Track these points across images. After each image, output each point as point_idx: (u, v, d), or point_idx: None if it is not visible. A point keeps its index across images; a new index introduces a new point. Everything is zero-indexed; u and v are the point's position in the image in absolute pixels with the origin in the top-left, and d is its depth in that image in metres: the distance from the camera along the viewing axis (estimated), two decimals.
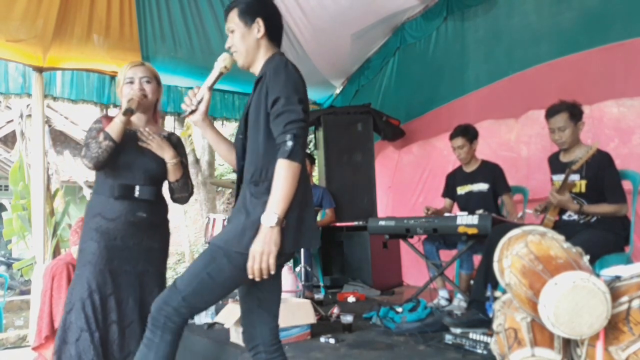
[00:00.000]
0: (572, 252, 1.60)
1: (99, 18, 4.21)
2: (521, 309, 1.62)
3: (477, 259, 3.42)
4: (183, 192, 2.31)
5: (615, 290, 1.48)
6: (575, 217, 2.85)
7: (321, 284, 4.36)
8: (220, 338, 2.77)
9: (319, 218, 4.73)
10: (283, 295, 1.81)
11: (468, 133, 3.58)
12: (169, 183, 2.29)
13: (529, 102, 4.06)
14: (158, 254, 2.29)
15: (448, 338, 2.46)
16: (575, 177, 2.81)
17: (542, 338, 1.56)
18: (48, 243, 4.66)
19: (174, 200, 2.34)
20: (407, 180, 5.26)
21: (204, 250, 1.62)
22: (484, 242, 2.88)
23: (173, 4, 4.51)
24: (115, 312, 2.11)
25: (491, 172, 3.58)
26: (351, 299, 4.00)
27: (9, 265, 8.28)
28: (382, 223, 3.64)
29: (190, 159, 10.64)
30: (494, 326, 1.78)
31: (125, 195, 2.17)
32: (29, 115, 6.11)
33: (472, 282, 3.09)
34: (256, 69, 1.69)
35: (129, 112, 2.11)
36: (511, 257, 1.66)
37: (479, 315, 2.53)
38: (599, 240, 2.66)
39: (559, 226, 2.82)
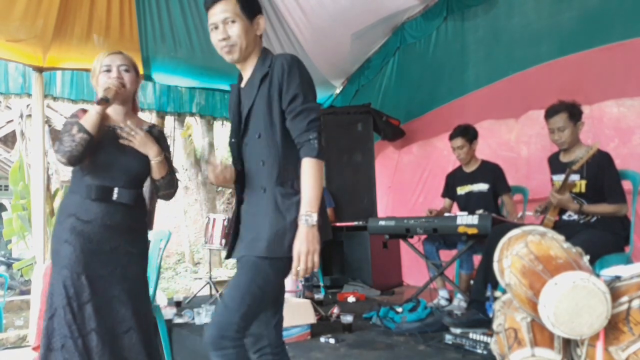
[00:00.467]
0: (572, 252, 1.60)
1: (99, 18, 4.21)
2: (521, 309, 1.62)
3: (477, 259, 3.42)
4: (169, 188, 2.18)
5: (615, 290, 1.48)
6: (575, 217, 2.85)
7: (321, 284, 4.36)
8: None
9: None
10: None
11: (468, 133, 3.58)
12: (155, 181, 2.15)
13: (528, 102, 4.06)
14: (137, 259, 2.15)
15: (448, 338, 2.46)
16: (575, 177, 2.80)
17: (542, 338, 1.56)
18: (48, 243, 4.65)
19: (159, 197, 2.20)
20: (407, 180, 5.26)
21: (240, 265, 1.58)
22: (484, 242, 2.88)
23: (173, 4, 4.51)
24: (94, 320, 1.98)
25: (491, 172, 3.58)
26: (351, 299, 4.00)
27: (9, 265, 8.25)
28: (382, 223, 3.64)
29: (190, 159, 10.65)
30: (494, 326, 1.78)
31: (103, 198, 2.03)
32: (29, 115, 6.13)
33: (472, 282, 3.09)
34: (247, 65, 1.66)
35: (104, 102, 1.95)
36: (511, 257, 1.66)
37: (479, 315, 2.54)
38: (599, 240, 2.65)
39: (559, 226, 2.82)
